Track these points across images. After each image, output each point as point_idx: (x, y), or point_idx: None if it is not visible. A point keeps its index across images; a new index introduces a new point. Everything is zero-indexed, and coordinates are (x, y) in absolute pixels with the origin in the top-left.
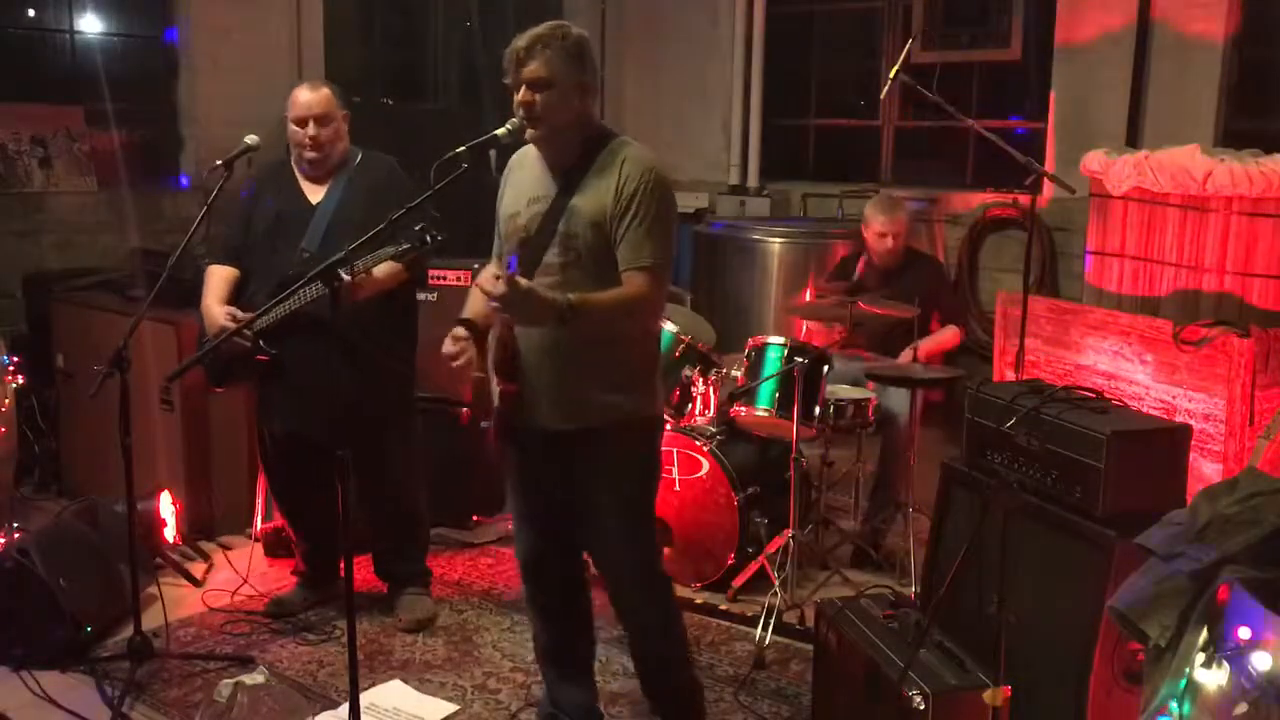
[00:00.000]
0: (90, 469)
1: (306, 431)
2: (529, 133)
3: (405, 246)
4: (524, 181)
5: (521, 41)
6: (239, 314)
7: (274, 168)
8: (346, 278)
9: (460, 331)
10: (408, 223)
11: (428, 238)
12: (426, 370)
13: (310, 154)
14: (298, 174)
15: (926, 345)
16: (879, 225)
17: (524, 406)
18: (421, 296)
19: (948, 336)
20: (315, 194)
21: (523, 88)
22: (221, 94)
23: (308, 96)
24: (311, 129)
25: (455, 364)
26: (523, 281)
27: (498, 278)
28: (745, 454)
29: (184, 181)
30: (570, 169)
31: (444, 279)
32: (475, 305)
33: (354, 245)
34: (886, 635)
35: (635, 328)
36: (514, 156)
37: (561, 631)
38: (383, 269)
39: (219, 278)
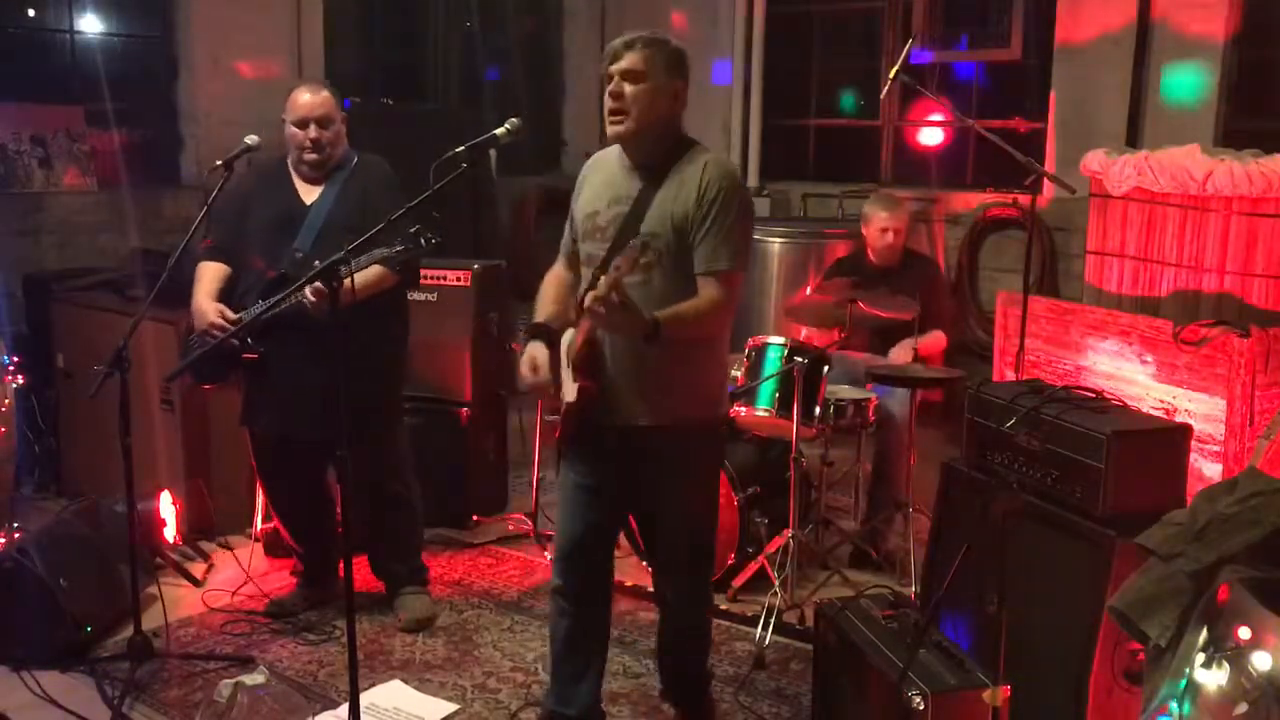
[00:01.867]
0: (90, 469)
1: (292, 431)
2: (611, 127)
3: (400, 248)
4: (604, 182)
5: (622, 39)
6: (228, 312)
7: (270, 167)
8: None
9: (540, 355)
10: (404, 224)
11: (422, 240)
12: (425, 370)
13: (310, 155)
14: (294, 175)
15: (920, 343)
16: (881, 221)
17: (603, 403)
18: (421, 296)
19: (936, 339)
20: (310, 195)
21: (615, 78)
22: (221, 94)
23: (309, 98)
24: (313, 130)
25: (530, 387)
26: (622, 298)
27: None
28: (745, 454)
29: (180, 180)
30: (651, 170)
31: (444, 279)
32: (549, 308)
33: (353, 245)
34: (886, 635)
35: (712, 332)
36: (592, 159)
37: (584, 623)
38: (366, 276)
39: (210, 274)
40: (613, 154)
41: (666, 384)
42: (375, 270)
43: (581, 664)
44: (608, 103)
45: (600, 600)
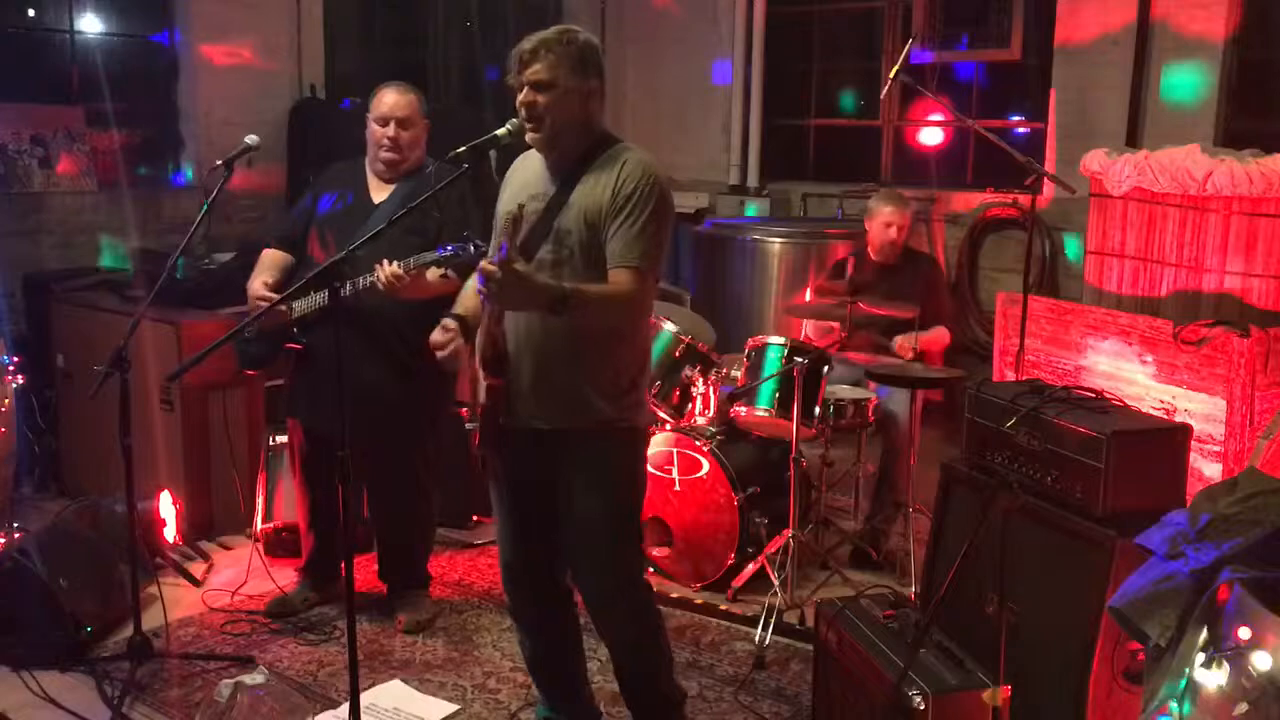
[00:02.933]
0: (90, 469)
1: (329, 428)
2: (529, 135)
3: (448, 253)
4: (523, 181)
5: (527, 44)
6: (271, 295)
7: (347, 164)
8: (386, 270)
9: (449, 322)
10: (457, 230)
11: (471, 245)
12: None
13: (386, 154)
14: (369, 172)
15: (924, 337)
16: (885, 215)
17: (510, 402)
18: None
19: (940, 335)
20: (380, 194)
21: (525, 88)
22: (221, 94)
23: (394, 98)
24: (392, 129)
25: (441, 353)
26: (519, 265)
27: (491, 265)
28: (745, 454)
29: (180, 180)
30: (570, 168)
31: (443, 277)
32: (467, 302)
33: (355, 245)
34: (886, 635)
35: (621, 329)
36: (519, 159)
37: (546, 643)
38: (430, 274)
39: (269, 260)
40: (535, 155)
41: (574, 386)
42: (433, 271)
43: (556, 670)
44: (521, 112)
45: (556, 619)
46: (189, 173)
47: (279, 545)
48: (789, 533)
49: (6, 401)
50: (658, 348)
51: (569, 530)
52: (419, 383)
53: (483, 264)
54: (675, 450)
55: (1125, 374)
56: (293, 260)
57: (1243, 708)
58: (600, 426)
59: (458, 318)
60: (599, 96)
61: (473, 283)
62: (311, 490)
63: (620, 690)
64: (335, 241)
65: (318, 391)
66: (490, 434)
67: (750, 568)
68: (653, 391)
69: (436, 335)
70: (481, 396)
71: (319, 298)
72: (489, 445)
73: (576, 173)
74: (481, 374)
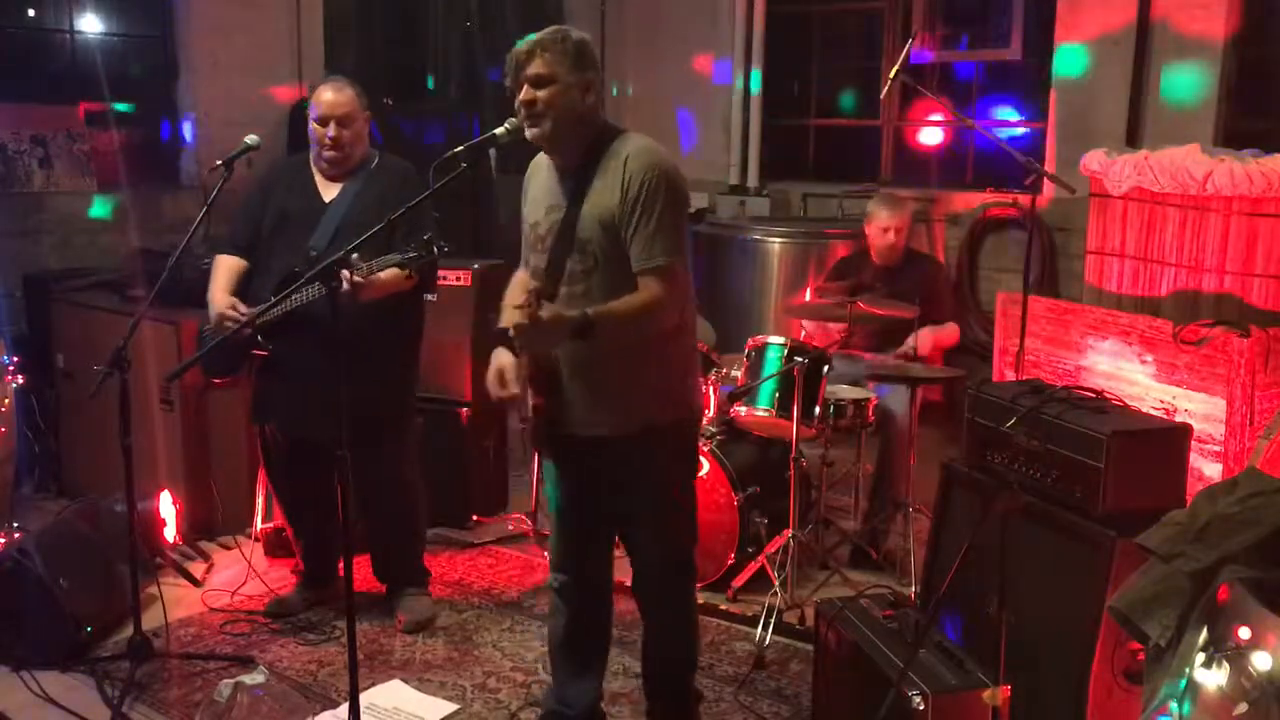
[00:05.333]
0: (90, 469)
1: (302, 432)
2: (531, 132)
3: (411, 255)
4: (540, 190)
5: (522, 46)
6: (240, 305)
7: (292, 163)
8: (350, 279)
9: (506, 364)
10: (416, 231)
11: (434, 248)
12: (426, 370)
13: (329, 153)
14: (315, 171)
15: (929, 333)
16: (882, 220)
17: (557, 416)
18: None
19: (948, 331)
20: (329, 192)
21: (524, 87)
22: (221, 94)
23: (332, 97)
24: (333, 129)
25: (498, 399)
26: (544, 311)
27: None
28: (745, 454)
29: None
30: (578, 172)
31: (444, 279)
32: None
33: (352, 246)
34: (886, 635)
35: (663, 328)
36: (531, 164)
37: (582, 623)
38: (389, 273)
39: (225, 268)
40: (545, 160)
41: (624, 391)
42: (394, 271)
43: (581, 663)
44: (521, 111)
45: (598, 601)
46: (189, 173)
47: (279, 545)
48: (789, 533)
49: (6, 401)
50: None
51: (627, 519)
52: (382, 376)
53: (515, 319)
54: None
55: (1125, 374)
56: (247, 266)
57: (1243, 708)
58: (657, 429)
59: (505, 335)
60: (596, 89)
61: (513, 293)
62: (292, 494)
63: (645, 682)
64: (289, 244)
65: (291, 395)
66: (539, 443)
67: (750, 568)
68: None
69: (494, 387)
70: (529, 411)
71: (285, 305)
72: (540, 448)
73: (584, 176)
74: (530, 391)
